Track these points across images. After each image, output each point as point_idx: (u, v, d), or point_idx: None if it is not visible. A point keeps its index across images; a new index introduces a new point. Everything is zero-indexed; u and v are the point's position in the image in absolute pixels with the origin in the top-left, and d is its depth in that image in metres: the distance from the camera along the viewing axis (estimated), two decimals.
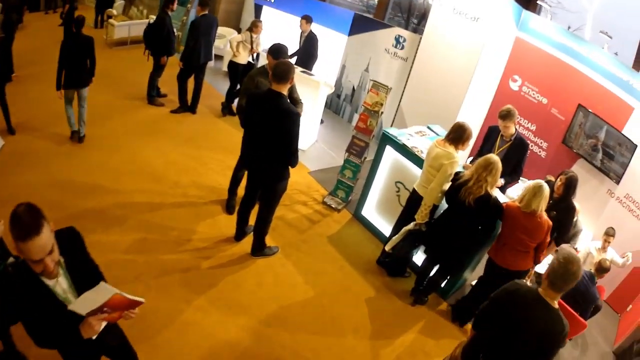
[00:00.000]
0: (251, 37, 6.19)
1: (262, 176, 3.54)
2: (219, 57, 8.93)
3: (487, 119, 6.18)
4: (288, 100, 3.25)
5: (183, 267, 3.64)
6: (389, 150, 4.37)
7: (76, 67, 4.91)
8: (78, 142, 5.08)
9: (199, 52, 6.01)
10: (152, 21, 6.48)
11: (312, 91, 5.56)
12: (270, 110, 3.17)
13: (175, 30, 6.65)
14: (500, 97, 6.10)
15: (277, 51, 3.73)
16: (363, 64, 7.31)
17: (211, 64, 8.41)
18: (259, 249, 3.94)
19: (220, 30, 9.13)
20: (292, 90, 3.74)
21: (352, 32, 7.43)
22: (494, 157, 3.28)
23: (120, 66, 8.28)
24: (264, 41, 6.46)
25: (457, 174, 3.50)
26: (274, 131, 3.21)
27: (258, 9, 9.03)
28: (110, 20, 10.56)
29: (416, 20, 16.51)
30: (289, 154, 3.29)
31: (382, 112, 4.71)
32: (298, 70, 5.36)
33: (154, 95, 6.51)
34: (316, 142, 6.37)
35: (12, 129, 5.01)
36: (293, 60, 5.90)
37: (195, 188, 4.70)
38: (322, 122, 6.66)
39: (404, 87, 6.56)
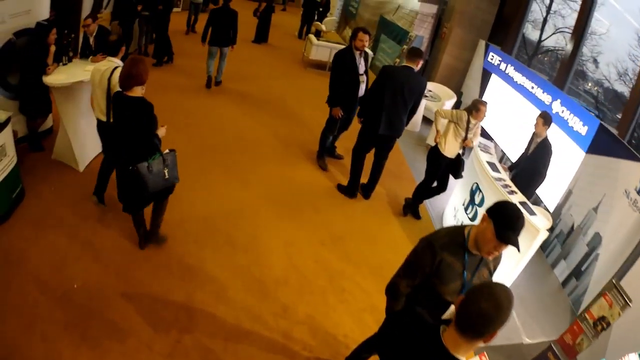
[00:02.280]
0: (468, 121, 4.42)
1: None
2: (428, 121, 7.35)
3: None
4: None
5: None
6: None
7: (220, 30, 6.88)
8: (214, 86, 7.26)
9: (379, 118, 4.35)
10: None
11: (525, 237, 3.73)
12: None
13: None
14: None
15: None
16: (593, 199, 4.85)
17: (415, 129, 7.43)
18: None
19: (435, 88, 8.06)
20: None
21: (591, 149, 5.07)
22: None
23: (300, 94, 7.96)
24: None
25: None
26: None
27: (485, 77, 7.62)
28: (311, 36, 9.79)
29: None
30: None
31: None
32: (515, 199, 3.93)
33: (323, 155, 5.49)
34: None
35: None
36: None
37: (306, 331, 3.15)
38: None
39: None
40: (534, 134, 4.71)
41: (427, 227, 4.69)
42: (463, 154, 4.52)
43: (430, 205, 5.06)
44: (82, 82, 4.10)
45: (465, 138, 4.41)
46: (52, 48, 4.13)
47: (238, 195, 4.50)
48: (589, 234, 4.64)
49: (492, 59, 7.39)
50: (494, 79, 7.27)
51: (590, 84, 6.87)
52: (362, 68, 4.88)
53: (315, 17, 12.68)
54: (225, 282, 3.40)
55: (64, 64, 4.33)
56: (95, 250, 3.43)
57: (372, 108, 4.43)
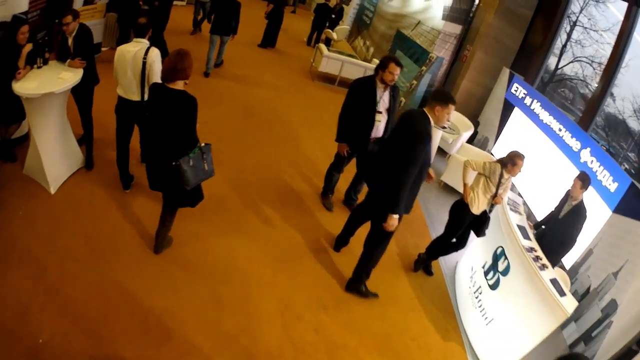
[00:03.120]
0: (501, 176, 3.87)
1: None
2: (442, 152, 6.93)
3: None
4: None
5: None
6: None
7: (222, 19, 7.17)
8: (215, 67, 7.52)
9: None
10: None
11: (549, 317, 3.23)
12: None
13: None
14: None
15: None
16: (614, 263, 4.40)
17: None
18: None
19: (452, 116, 7.45)
20: None
21: (619, 209, 4.58)
22: None
23: (306, 112, 7.27)
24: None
25: None
26: None
27: (507, 108, 7.09)
28: (321, 46, 9.06)
29: None
30: None
31: None
32: (545, 275, 3.38)
33: (328, 193, 4.85)
34: None
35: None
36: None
37: None
38: None
39: None
40: (568, 194, 4.21)
41: (439, 285, 4.21)
42: (490, 210, 3.95)
43: (443, 259, 4.51)
44: (53, 93, 3.50)
45: (496, 195, 3.85)
46: (25, 49, 3.54)
47: (229, 243, 3.86)
48: (604, 299, 4.23)
49: (516, 91, 6.87)
50: (517, 113, 6.74)
51: (601, 118, 6.43)
52: (383, 104, 4.14)
53: (327, 25, 12.04)
54: (209, 354, 2.85)
55: (38, 67, 3.74)
56: (62, 299, 2.92)
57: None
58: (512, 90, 6.97)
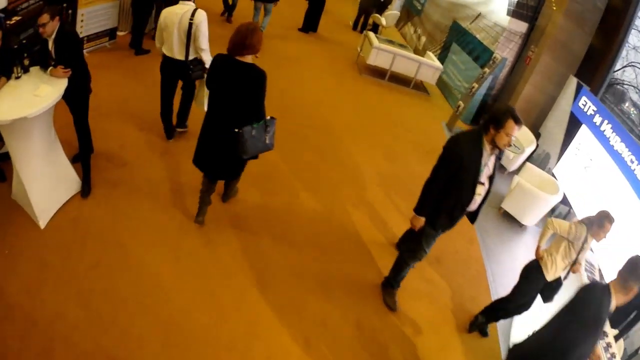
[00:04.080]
0: (585, 240, 3.26)
1: None
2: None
3: None
4: None
5: None
6: None
7: None
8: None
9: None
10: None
11: None
12: None
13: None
14: None
15: None
16: None
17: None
18: None
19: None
20: None
21: None
22: None
23: (354, 118, 6.49)
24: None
25: None
26: None
27: (573, 124, 6.29)
28: (370, 34, 8.19)
29: None
30: None
31: None
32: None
33: (394, 287, 3.65)
34: None
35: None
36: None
37: None
38: None
39: None
40: None
41: (493, 349, 3.72)
42: (565, 277, 3.42)
43: None
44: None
45: (576, 261, 3.33)
46: None
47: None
48: None
49: (584, 106, 6.07)
50: (584, 131, 5.95)
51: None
52: (486, 173, 3.05)
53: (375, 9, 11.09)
54: None
55: (17, 77, 3.06)
56: None
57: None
58: (580, 104, 6.17)
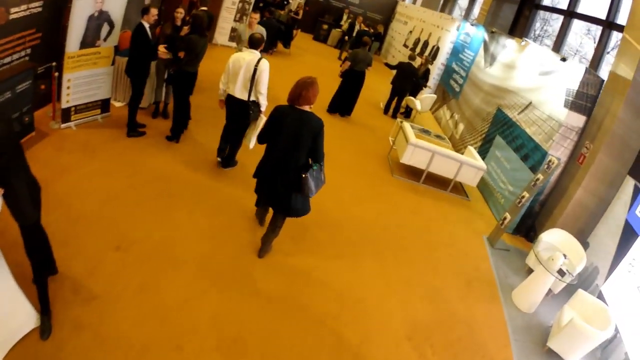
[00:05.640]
0: None
1: None
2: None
3: None
4: None
5: None
6: None
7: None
8: None
9: None
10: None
11: None
12: None
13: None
14: None
15: None
16: None
17: (530, 309, 4.92)
18: None
19: (560, 239, 5.53)
20: None
21: None
22: None
23: (387, 244, 5.22)
24: None
25: None
26: None
27: (628, 235, 5.16)
28: (405, 126, 7.19)
29: None
30: None
31: None
32: None
33: None
34: None
35: None
36: None
37: None
38: None
39: None
40: None
41: None
42: None
43: None
44: None
45: None
46: None
47: None
48: None
49: None
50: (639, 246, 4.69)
51: None
52: None
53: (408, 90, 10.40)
54: None
55: None
56: None
57: None
58: (637, 212, 4.97)
